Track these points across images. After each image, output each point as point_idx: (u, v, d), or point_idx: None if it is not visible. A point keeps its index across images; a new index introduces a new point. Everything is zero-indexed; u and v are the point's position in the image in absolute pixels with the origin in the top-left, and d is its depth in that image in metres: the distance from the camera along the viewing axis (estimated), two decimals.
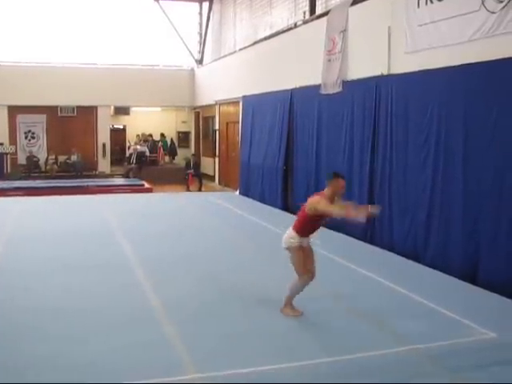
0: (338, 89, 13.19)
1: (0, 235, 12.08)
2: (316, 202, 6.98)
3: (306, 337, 6.55)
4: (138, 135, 28.65)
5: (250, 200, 18.01)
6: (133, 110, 28.75)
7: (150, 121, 29.33)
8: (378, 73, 11.70)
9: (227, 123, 22.98)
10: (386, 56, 11.48)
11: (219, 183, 23.86)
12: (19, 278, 8.80)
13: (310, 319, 7.13)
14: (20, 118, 26.51)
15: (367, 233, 11.90)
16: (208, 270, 9.40)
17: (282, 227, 12.87)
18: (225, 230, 13.26)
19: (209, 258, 10.27)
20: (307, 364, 5.78)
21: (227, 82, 22.33)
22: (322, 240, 11.74)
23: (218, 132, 24.04)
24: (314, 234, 7.33)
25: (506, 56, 8.32)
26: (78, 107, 26.87)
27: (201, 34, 28.30)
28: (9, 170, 25.76)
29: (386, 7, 11.64)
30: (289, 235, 7.19)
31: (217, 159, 24.23)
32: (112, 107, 27.99)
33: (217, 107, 23.89)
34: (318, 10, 16.49)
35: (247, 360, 5.85)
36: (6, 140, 26.10)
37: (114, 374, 5.48)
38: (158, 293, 8.08)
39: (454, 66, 9.40)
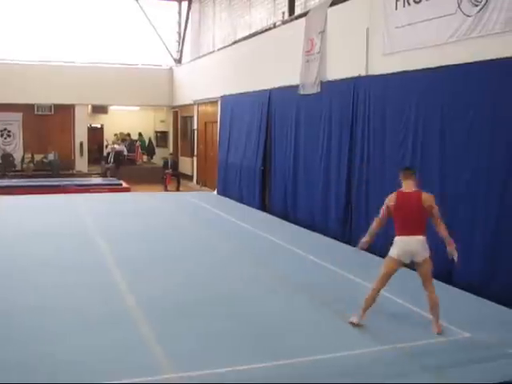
0: (316, 89, 13.23)
1: None
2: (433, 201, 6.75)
3: (284, 336, 6.55)
4: (115, 134, 28.49)
5: (228, 200, 18.00)
6: (111, 108, 28.65)
7: (128, 120, 29.21)
8: (356, 74, 11.74)
9: (205, 123, 22.94)
10: (364, 57, 11.52)
11: (197, 183, 23.81)
12: None
13: (287, 319, 7.14)
14: None
15: (345, 233, 11.94)
16: (185, 270, 9.38)
17: (259, 227, 13.01)
18: (202, 229, 13.25)
19: (186, 258, 10.25)
20: (284, 363, 5.79)
21: (206, 81, 22.29)
22: (300, 240, 11.85)
23: (196, 132, 24.00)
24: None
25: (482, 59, 8.40)
26: (55, 105, 26.65)
27: (180, 34, 28.23)
28: None
29: (364, 9, 11.69)
30: (424, 242, 6.76)
31: (195, 159, 24.18)
32: (90, 106, 27.84)
33: (195, 107, 23.84)
34: (297, 11, 16.53)
35: (224, 360, 5.84)
36: None
37: (90, 374, 5.44)
38: (134, 292, 8.05)
39: (431, 68, 9.46)
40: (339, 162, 12.25)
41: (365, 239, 7.12)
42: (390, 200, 6.84)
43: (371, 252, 10.77)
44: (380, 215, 6.99)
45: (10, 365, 5.65)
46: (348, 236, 11.82)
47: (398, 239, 6.77)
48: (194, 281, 8.80)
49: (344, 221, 12.04)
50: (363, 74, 11.57)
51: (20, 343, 6.16)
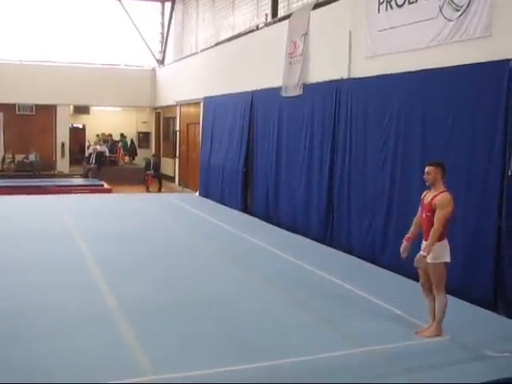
0: (298, 92, 13.26)
1: None
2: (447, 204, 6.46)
3: (264, 338, 6.56)
4: (97, 135, 28.38)
5: (210, 201, 17.98)
6: (93, 109, 28.52)
7: (110, 120, 29.11)
8: (338, 76, 11.79)
9: (188, 124, 22.92)
10: (346, 60, 11.57)
11: (179, 184, 23.77)
12: None
13: (268, 320, 7.15)
14: None
15: (326, 235, 11.98)
16: (166, 271, 9.38)
17: (241, 228, 13.03)
18: (184, 231, 13.24)
19: (166, 259, 10.24)
20: (265, 365, 5.80)
21: (188, 82, 22.27)
22: (282, 242, 11.88)
23: (178, 133, 23.97)
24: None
25: (463, 63, 8.47)
26: (37, 105, 26.50)
27: (163, 34, 28.20)
28: None
29: (346, 12, 11.74)
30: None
31: (177, 160, 24.15)
32: (71, 106, 27.71)
33: (178, 108, 23.81)
34: (280, 13, 16.57)
35: (204, 361, 5.84)
36: None
37: (69, 376, 5.42)
38: (114, 293, 8.03)
39: (412, 72, 9.52)
40: (321, 164, 12.29)
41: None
42: (451, 203, 6.50)
43: (350, 254, 10.90)
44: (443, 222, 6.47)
45: None
46: (330, 237, 11.87)
47: (446, 243, 6.55)
48: (174, 282, 8.79)
49: (325, 222, 12.08)
50: (346, 76, 11.62)
51: (1, 341, 6.13)
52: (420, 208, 6.84)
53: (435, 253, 6.41)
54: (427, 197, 6.64)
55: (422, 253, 6.43)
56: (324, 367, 5.84)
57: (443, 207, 6.40)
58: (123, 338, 6.42)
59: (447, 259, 6.53)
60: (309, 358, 5.98)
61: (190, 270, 9.52)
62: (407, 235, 6.93)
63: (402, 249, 6.85)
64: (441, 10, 8.93)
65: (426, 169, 6.69)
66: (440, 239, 6.44)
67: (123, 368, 5.64)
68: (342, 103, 11.61)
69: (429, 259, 6.43)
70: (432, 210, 6.46)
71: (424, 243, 6.53)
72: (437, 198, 6.47)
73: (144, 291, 8.22)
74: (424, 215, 6.62)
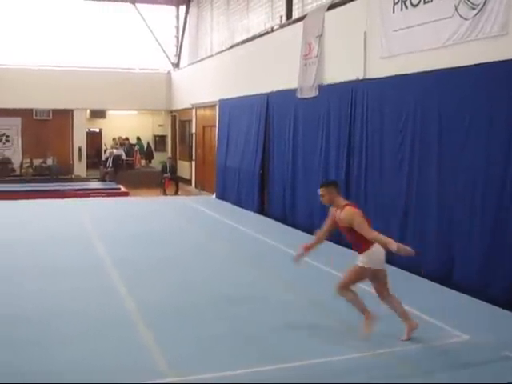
0: (314, 93, 13.25)
1: None
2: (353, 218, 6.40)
3: (280, 340, 6.55)
4: (114, 139, 28.52)
5: (226, 203, 18.00)
6: (109, 113, 28.68)
7: (126, 124, 29.23)
8: (353, 77, 11.77)
9: (204, 127, 22.97)
10: (361, 61, 11.55)
11: (195, 187, 23.82)
12: None
13: (285, 322, 7.14)
14: None
15: (342, 236, 11.91)
16: (183, 273, 9.39)
17: (258, 230, 13.02)
18: (200, 233, 13.26)
19: (184, 262, 10.26)
20: (282, 367, 5.79)
21: (204, 85, 22.32)
22: (298, 243, 11.84)
23: (194, 136, 24.02)
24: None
25: (479, 61, 8.42)
26: (54, 110, 26.68)
27: (177, 38, 28.28)
28: None
29: (361, 12, 11.71)
30: None
31: (193, 163, 24.20)
32: (88, 110, 27.87)
33: (193, 111, 23.87)
34: (295, 15, 16.56)
35: (222, 363, 5.85)
36: None
37: (87, 378, 5.44)
38: (132, 296, 8.05)
39: (428, 71, 9.49)
40: (337, 165, 12.26)
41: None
42: (356, 213, 6.43)
43: None
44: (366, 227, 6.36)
45: (12, 369, 5.65)
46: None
47: (375, 250, 6.38)
48: (191, 284, 8.80)
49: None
50: (361, 77, 11.60)
51: (22, 347, 6.16)
52: (327, 220, 6.85)
53: (364, 258, 6.38)
54: (336, 213, 6.61)
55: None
56: (341, 369, 5.82)
57: (354, 220, 6.34)
58: (141, 341, 6.43)
59: (372, 266, 6.39)
60: (326, 360, 5.96)
61: (206, 272, 9.52)
62: (306, 244, 6.94)
63: (295, 257, 6.91)
64: (456, 9, 8.88)
65: (319, 191, 6.74)
66: (367, 247, 6.35)
67: (141, 370, 5.65)
68: (357, 104, 11.59)
69: (358, 261, 6.43)
70: (345, 224, 6.48)
71: (359, 255, 6.45)
72: (341, 215, 6.48)
73: (161, 293, 8.24)
74: (340, 228, 6.64)
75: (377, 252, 6.37)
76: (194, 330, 6.79)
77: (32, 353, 6.04)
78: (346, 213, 6.43)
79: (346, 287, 6.54)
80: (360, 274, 6.48)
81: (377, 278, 6.53)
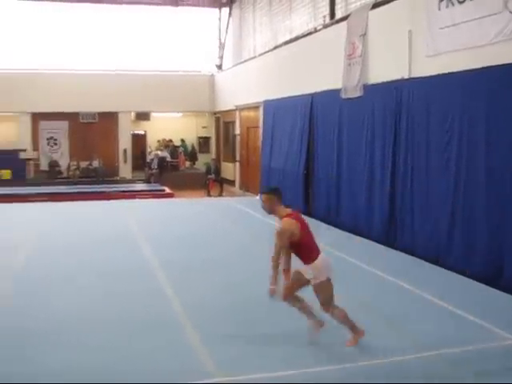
0: (358, 93, 13.16)
1: (24, 241, 12.17)
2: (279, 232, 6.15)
3: (329, 340, 6.51)
4: (158, 141, 28.80)
5: None
6: (153, 115, 28.91)
7: (170, 126, 29.47)
8: (398, 76, 11.65)
9: (247, 128, 23.01)
10: (406, 59, 11.43)
11: (240, 188, 23.88)
12: (42, 286, 8.85)
13: (332, 324, 7.09)
14: (42, 124, 26.81)
15: (389, 236, 11.83)
16: (229, 275, 9.42)
17: None
18: (245, 235, 13.26)
19: (229, 263, 10.28)
20: (331, 368, 5.77)
21: (247, 86, 22.37)
22: (341, 243, 11.80)
23: (238, 137, 24.08)
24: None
25: None
26: (99, 113, 27.07)
27: (220, 40, 28.40)
28: (31, 176, 25.99)
29: (406, 10, 11.60)
30: None
31: (237, 164, 24.25)
32: (133, 113, 28.17)
33: (237, 112, 23.94)
34: (338, 14, 16.48)
35: (272, 363, 5.86)
36: (29, 146, 26.40)
37: (138, 379, 5.49)
38: (179, 298, 8.10)
39: (475, 69, 9.33)
40: (383, 165, 12.15)
41: (272, 286, 6.07)
42: (292, 226, 6.10)
43: (413, 255, 10.74)
44: (279, 249, 6.07)
45: (58, 370, 5.74)
46: (392, 239, 11.71)
47: (318, 263, 6.13)
48: (237, 285, 8.82)
49: (388, 224, 11.93)
50: (406, 76, 11.48)
51: (69, 349, 6.26)
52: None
53: (312, 274, 6.11)
54: (276, 226, 6.33)
55: (270, 287, 6.04)
56: (388, 371, 5.76)
57: (280, 236, 6.04)
58: (188, 342, 6.47)
59: (324, 277, 6.14)
60: (373, 362, 5.91)
61: (251, 273, 9.50)
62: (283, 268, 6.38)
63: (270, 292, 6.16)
64: (506, 5, 8.70)
65: (261, 197, 6.42)
66: (308, 262, 6.09)
67: (189, 370, 5.69)
68: (403, 103, 11.46)
69: (312, 281, 6.13)
70: None
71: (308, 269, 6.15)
72: (278, 227, 6.17)
73: (208, 295, 8.27)
74: None
75: (323, 263, 6.17)
76: (241, 330, 6.80)
77: (80, 354, 6.12)
78: (282, 224, 6.12)
79: (331, 305, 6.24)
80: (326, 289, 6.17)
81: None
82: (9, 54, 26.30)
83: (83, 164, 26.78)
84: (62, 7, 26.67)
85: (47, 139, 27.02)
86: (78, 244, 11.85)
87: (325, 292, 6.17)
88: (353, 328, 6.30)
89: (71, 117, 26.85)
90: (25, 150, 26.01)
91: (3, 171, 25.32)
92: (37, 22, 26.56)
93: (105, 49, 27.02)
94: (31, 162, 26.26)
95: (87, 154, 26.67)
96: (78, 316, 7.37)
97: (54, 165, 26.75)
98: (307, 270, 6.13)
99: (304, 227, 6.17)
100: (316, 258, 6.12)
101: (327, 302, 6.20)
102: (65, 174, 26.69)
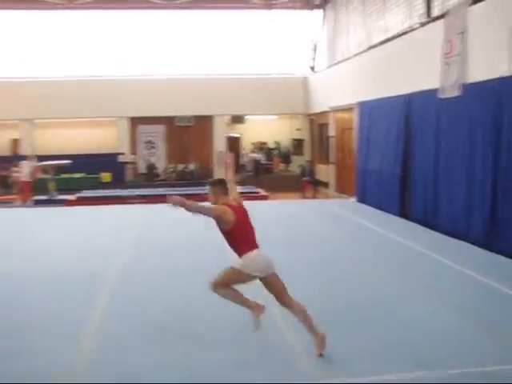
0: (456, 92, 12.86)
1: (124, 242, 12.56)
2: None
3: (428, 345, 6.39)
4: (252, 143, 29.06)
5: (367, 207, 17.82)
6: (248, 118, 29.20)
7: (264, 129, 29.69)
8: (498, 75, 11.30)
9: (342, 130, 22.89)
10: (507, 57, 11.08)
11: (334, 190, 23.77)
12: (144, 285, 9.13)
13: (431, 328, 6.98)
14: (140, 128, 27.62)
15: (490, 240, 11.48)
16: (328, 278, 9.40)
17: (401, 235, 12.79)
18: (342, 237, 13.16)
19: (328, 266, 10.24)
20: (429, 375, 5.67)
21: (341, 88, 22.26)
22: (442, 247, 11.55)
23: (332, 139, 23.99)
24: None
25: None
26: (195, 117, 27.62)
27: (313, 41, 28.35)
28: (130, 179, 26.81)
29: (506, 6, 11.24)
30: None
31: (332, 166, 24.15)
32: (227, 116, 28.55)
33: (331, 114, 23.85)
34: (434, 12, 16.13)
35: (380, 365, 5.84)
36: (127, 150, 27.24)
37: (239, 379, 5.56)
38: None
39: None
40: (483, 166, 11.81)
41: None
42: (224, 211, 6.10)
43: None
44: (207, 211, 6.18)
45: (154, 368, 5.90)
46: (493, 242, 11.36)
47: (252, 256, 6.12)
48: (337, 288, 8.79)
49: (489, 226, 11.58)
50: (507, 74, 11.11)
51: (177, 347, 6.42)
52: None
53: (238, 263, 6.10)
54: None
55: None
56: (492, 378, 5.62)
57: (214, 210, 6.13)
58: (292, 343, 6.51)
59: (248, 270, 6.07)
60: (477, 370, 5.77)
61: (351, 277, 9.47)
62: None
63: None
64: None
65: (208, 189, 6.43)
66: (240, 255, 6.10)
67: (294, 372, 5.77)
68: (504, 102, 11.11)
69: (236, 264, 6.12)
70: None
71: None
72: None
73: (307, 298, 8.25)
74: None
75: (253, 258, 6.09)
76: (341, 334, 6.75)
77: (192, 351, 6.27)
78: (216, 206, 6.22)
79: (218, 286, 6.21)
80: (234, 276, 6.16)
81: (266, 284, 6.25)
82: (108, 61, 27.27)
83: (179, 166, 27.38)
84: (158, 14, 27.38)
85: (145, 143, 27.82)
86: (178, 244, 12.15)
87: (229, 275, 6.17)
88: (247, 305, 6.32)
89: (168, 120, 27.57)
90: (123, 154, 26.86)
91: (103, 174, 26.26)
92: (133, 29, 27.40)
93: (199, 53, 27.53)
94: (130, 165, 27.06)
95: (183, 157, 27.28)
96: (171, 315, 7.54)
97: (151, 168, 27.50)
98: (237, 261, 6.15)
99: (240, 219, 6.16)
100: (247, 252, 6.09)
101: (221, 281, 6.18)
102: (162, 177, 27.37)
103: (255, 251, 6.14)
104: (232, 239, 6.15)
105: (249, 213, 6.40)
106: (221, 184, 6.39)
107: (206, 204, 6.31)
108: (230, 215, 6.04)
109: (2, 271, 10.07)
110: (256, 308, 6.29)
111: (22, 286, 9.08)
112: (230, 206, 6.16)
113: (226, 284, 6.18)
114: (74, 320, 7.35)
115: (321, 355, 6.05)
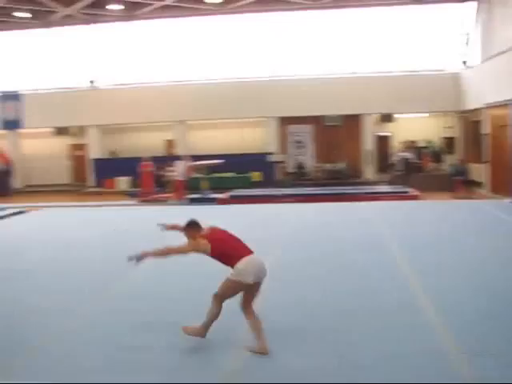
0: None
1: (279, 237, 12.77)
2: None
3: None
4: (401, 142, 28.56)
5: None
6: (397, 116, 28.73)
7: (414, 127, 29.08)
8: None
9: (498, 127, 21.94)
10: None
11: (489, 190, 22.82)
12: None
13: None
14: (290, 128, 27.99)
15: None
16: (484, 278, 9.12)
17: None
18: (497, 237, 12.64)
19: (484, 268, 9.89)
20: None
21: (497, 83, 21.36)
22: None
23: (486, 136, 23.06)
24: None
25: None
26: (343, 116, 27.55)
27: (466, 35, 27.34)
28: (279, 178, 27.20)
29: None
30: None
31: (486, 165, 23.21)
32: (376, 115, 28.25)
33: (485, 111, 22.93)
34: None
35: None
36: (276, 149, 27.68)
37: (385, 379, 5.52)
38: (438, 310, 7.82)
39: None
40: None
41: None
42: (200, 246, 6.38)
43: None
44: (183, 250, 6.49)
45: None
46: None
47: (243, 262, 6.24)
48: (495, 289, 8.47)
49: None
50: None
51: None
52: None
53: (232, 274, 6.25)
54: None
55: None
56: None
57: (194, 245, 6.42)
58: (445, 345, 6.35)
59: (242, 279, 6.19)
60: None
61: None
62: None
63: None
64: None
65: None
66: (233, 265, 6.25)
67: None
68: None
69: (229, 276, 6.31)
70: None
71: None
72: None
73: (465, 298, 8.05)
74: None
75: (246, 263, 6.21)
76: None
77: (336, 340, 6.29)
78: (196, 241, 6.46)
79: (220, 300, 6.35)
80: (231, 286, 6.30)
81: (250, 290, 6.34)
82: (257, 63, 27.85)
83: (327, 166, 27.43)
84: (305, 15, 27.58)
85: (294, 142, 28.12)
86: (333, 246, 12.18)
87: (225, 289, 6.31)
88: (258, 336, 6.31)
89: (316, 120, 27.71)
90: (273, 153, 27.31)
91: (254, 173, 26.83)
92: (283, 30, 27.75)
93: (347, 52, 27.44)
94: (279, 165, 27.45)
95: (331, 156, 27.30)
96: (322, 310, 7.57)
97: (300, 167, 27.75)
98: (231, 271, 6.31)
99: (217, 242, 6.37)
100: (237, 262, 6.24)
101: (221, 295, 6.33)
102: (310, 176, 27.55)
103: (246, 258, 6.29)
104: (222, 260, 6.39)
105: (225, 229, 6.65)
106: (193, 224, 6.59)
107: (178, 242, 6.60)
108: (204, 245, 6.33)
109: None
110: (263, 347, 6.30)
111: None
112: (204, 236, 6.42)
113: (226, 297, 6.38)
114: None
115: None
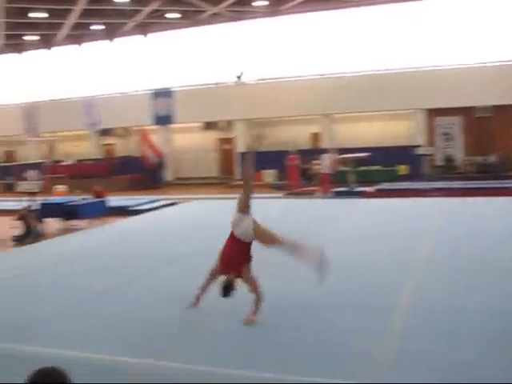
0: None
1: (435, 235, 12.48)
2: None
3: None
4: None
5: None
6: None
7: None
8: None
9: None
10: None
11: None
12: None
13: None
14: (437, 120, 27.22)
15: None
16: None
17: None
18: None
19: None
20: None
21: None
22: None
23: None
24: None
25: None
26: (495, 106, 26.34)
27: None
28: (427, 171, 26.53)
29: None
30: None
31: None
32: None
33: None
34: None
35: None
36: (424, 142, 27.04)
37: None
38: None
39: None
40: None
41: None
42: None
43: None
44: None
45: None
46: None
47: None
48: None
49: None
50: None
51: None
52: None
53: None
54: None
55: None
56: None
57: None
58: None
59: None
60: None
61: None
62: None
63: None
64: None
65: None
66: None
67: None
68: None
69: None
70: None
71: None
72: None
73: None
74: None
75: None
76: None
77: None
78: None
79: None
80: None
81: None
82: (401, 53, 27.27)
83: (478, 159, 26.39)
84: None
85: (442, 134, 27.32)
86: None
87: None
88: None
89: (465, 111, 26.71)
90: (420, 146, 26.68)
91: (400, 166, 26.38)
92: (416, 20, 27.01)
93: (496, 38, 26.24)
94: (427, 158, 26.77)
95: (482, 149, 26.23)
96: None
97: (449, 160, 26.93)
98: None
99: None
100: None
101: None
102: (460, 169, 26.64)
103: None
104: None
105: None
106: None
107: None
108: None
109: None
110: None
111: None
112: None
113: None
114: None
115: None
